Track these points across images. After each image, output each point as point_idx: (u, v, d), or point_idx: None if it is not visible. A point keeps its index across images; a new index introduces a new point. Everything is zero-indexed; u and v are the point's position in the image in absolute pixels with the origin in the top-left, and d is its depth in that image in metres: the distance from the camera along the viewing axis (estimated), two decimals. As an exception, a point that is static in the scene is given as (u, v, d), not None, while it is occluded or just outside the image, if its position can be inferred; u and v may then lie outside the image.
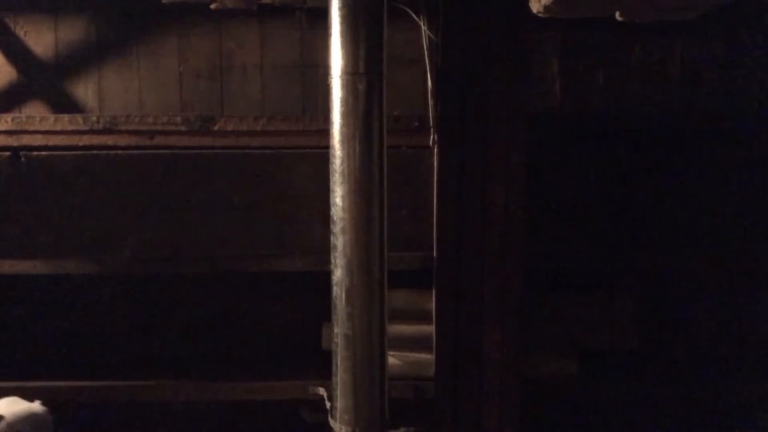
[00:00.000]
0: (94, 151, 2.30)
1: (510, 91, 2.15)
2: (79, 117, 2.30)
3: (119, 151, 2.30)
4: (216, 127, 2.30)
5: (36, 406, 1.78)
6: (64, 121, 2.29)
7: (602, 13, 1.73)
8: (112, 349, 2.44)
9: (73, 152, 2.29)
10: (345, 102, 1.83)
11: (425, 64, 2.20)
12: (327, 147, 1.89)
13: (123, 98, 2.43)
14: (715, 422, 2.40)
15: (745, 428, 2.37)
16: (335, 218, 1.85)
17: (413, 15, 2.22)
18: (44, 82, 2.42)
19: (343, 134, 1.83)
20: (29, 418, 1.74)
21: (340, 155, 1.83)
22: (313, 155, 2.21)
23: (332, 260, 1.87)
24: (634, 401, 2.42)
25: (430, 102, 2.21)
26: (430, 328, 2.25)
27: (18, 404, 1.77)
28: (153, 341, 2.45)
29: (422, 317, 2.28)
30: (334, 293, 1.88)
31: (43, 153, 2.29)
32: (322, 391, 2.14)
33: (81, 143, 2.29)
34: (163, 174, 2.31)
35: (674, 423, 2.43)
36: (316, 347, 2.35)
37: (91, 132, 2.29)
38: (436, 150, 2.20)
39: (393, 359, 2.21)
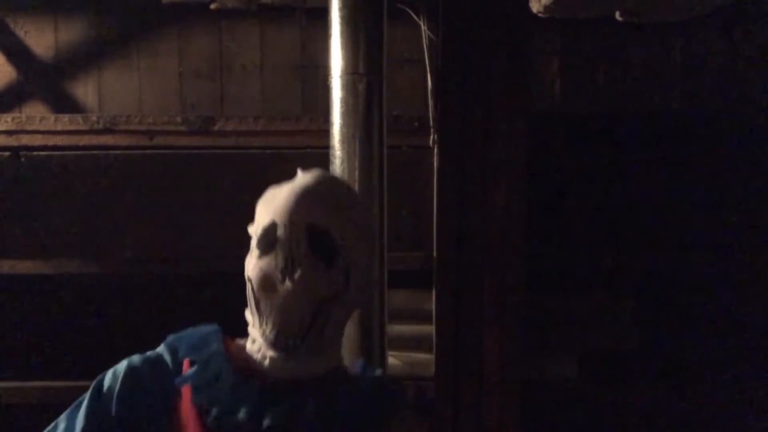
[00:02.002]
0: (94, 151, 2.30)
1: (510, 91, 2.15)
2: (79, 117, 2.30)
3: (119, 151, 2.30)
4: (216, 127, 2.30)
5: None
6: (64, 121, 2.29)
7: (602, 13, 1.73)
8: (112, 350, 2.44)
9: (73, 152, 2.30)
10: (345, 102, 1.83)
11: (425, 64, 2.20)
12: (327, 147, 1.88)
13: (123, 98, 2.43)
14: (714, 422, 2.40)
15: (745, 428, 2.37)
16: (335, 218, 1.85)
17: (413, 15, 2.22)
18: (44, 82, 2.42)
19: (343, 134, 1.82)
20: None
21: (340, 155, 1.83)
22: (313, 155, 2.22)
23: (332, 260, 1.87)
24: (634, 401, 2.42)
25: (430, 102, 2.21)
26: (430, 328, 2.25)
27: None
28: (153, 341, 2.45)
29: (422, 317, 2.28)
30: (334, 293, 1.88)
31: (43, 153, 2.29)
32: (322, 391, 2.14)
33: (81, 143, 2.29)
34: (163, 174, 2.31)
35: (674, 423, 2.43)
36: (316, 347, 2.35)
37: (91, 132, 2.29)
38: (436, 150, 2.20)
39: (393, 359, 2.21)
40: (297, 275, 1.02)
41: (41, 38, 2.41)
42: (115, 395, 1.15)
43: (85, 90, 2.43)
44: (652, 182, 2.41)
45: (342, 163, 1.82)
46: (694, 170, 2.41)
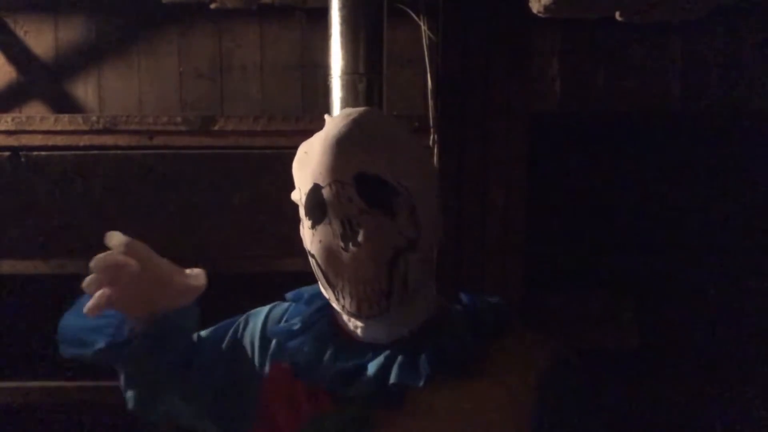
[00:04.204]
0: (94, 151, 2.30)
1: (510, 91, 2.15)
2: (79, 117, 2.30)
3: (119, 151, 2.30)
4: (216, 127, 2.30)
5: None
6: (64, 121, 2.29)
7: (602, 13, 1.73)
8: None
9: (73, 152, 2.29)
10: (345, 102, 1.83)
11: (425, 64, 2.20)
12: (327, 147, 1.88)
13: (123, 98, 2.43)
14: (714, 423, 2.40)
15: (746, 428, 2.37)
16: (335, 218, 1.85)
17: (413, 15, 2.22)
18: (44, 82, 2.42)
19: (343, 134, 1.82)
20: None
21: (340, 155, 1.82)
22: (313, 155, 2.21)
23: (332, 260, 1.86)
24: (634, 401, 2.42)
25: (430, 102, 2.21)
26: (430, 328, 2.24)
27: None
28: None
29: (422, 317, 2.28)
30: (334, 293, 1.87)
31: (43, 153, 2.29)
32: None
33: (81, 143, 2.29)
34: (163, 174, 2.31)
35: (674, 423, 2.43)
36: (316, 347, 2.34)
37: (91, 132, 2.29)
38: (436, 150, 2.20)
39: (393, 359, 2.20)
40: (360, 238, 0.91)
41: (41, 38, 2.41)
42: (229, 333, 1.16)
43: (85, 90, 2.43)
44: (652, 182, 2.41)
45: (342, 163, 1.82)
46: (694, 170, 2.41)
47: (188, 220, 2.31)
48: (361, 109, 1.02)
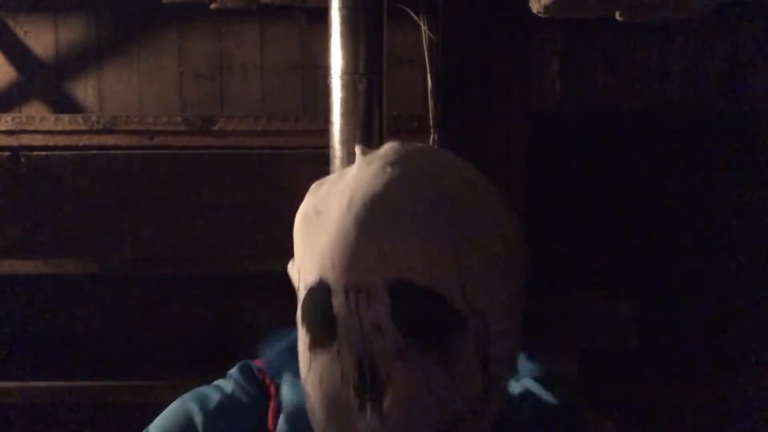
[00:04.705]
0: (94, 151, 2.30)
1: (510, 91, 2.15)
2: (79, 117, 2.30)
3: (119, 151, 2.30)
4: (216, 127, 2.30)
5: None
6: (64, 121, 2.29)
7: (602, 13, 1.73)
8: (111, 350, 2.44)
9: (73, 152, 2.29)
10: (345, 102, 1.83)
11: (425, 64, 2.20)
12: (327, 147, 1.88)
13: (123, 98, 2.43)
14: (714, 423, 2.40)
15: (746, 429, 2.37)
16: (335, 218, 1.84)
17: (413, 15, 2.22)
18: (44, 82, 2.42)
19: (343, 134, 1.82)
20: None
21: (340, 155, 1.83)
22: (313, 155, 2.21)
23: (332, 260, 1.86)
24: (634, 401, 2.42)
25: (430, 102, 2.21)
26: (430, 328, 2.24)
27: None
28: (152, 341, 2.45)
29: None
30: (334, 293, 1.87)
31: (43, 153, 2.29)
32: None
33: (81, 143, 2.29)
34: (163, 174, 2.31)
35: (674, 423, 2.43)
36: (316, 347, 2.34)
37: (91, 132, 2.29)
38: (435, 150, 2.20)
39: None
40: (386, 403, 0.53)
41: (41, 38, 2.41)
42: None
43: (85, 90, 2.43)
44: (652, 182, 2.41)
45: (342, 163, 1.82)
46: (694, 170, 2.41)
47: (188, 220, 2.31)
48: (409, 150, 0.60)
